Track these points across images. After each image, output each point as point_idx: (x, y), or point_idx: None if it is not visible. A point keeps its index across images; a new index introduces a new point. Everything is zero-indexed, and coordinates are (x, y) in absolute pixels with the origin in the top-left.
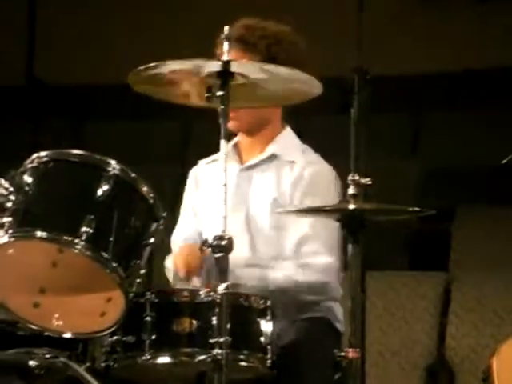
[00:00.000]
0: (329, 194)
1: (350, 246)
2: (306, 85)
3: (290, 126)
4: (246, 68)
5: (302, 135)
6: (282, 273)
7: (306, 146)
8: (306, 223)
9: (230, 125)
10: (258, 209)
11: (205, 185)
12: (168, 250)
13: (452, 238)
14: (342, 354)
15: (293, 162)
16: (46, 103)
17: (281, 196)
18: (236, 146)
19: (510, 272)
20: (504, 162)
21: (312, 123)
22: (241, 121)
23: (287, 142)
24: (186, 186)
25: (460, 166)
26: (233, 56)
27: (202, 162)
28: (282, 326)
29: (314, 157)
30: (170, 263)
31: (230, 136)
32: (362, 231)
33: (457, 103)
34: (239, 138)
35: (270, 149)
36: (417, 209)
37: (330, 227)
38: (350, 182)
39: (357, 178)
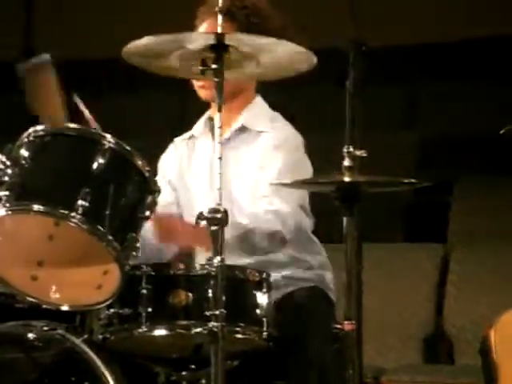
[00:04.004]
0: (293, 153)
1: (345, 219)
2: (300, 57)
3: (285, 98)
4: (240, 40)
5: (297, 107)
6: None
7: (276, 114)
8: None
9: (202, 93)
10: (236, 186)
11: (185, 161)
12: None
13: (451, 210)
14: (339, 326)
15: (260, 132)
16: None
17: (254, 170)
18: (210, 119)
19: (508, 243)
20: (502, 132)
21: (307, 95)
22: (212, 89)
23: (256, 111)
24: (162, 161)
25: (458, 137)
26: (211, 27)
27: (179, 139)
28: (276, 298)
29: (282, 124)
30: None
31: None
32: (358, 203)
33: (454, 74)
34: (212, 110)
35: (240, 119)
36: (412, 180)
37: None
38: (345, 154)
39: (352, 150)
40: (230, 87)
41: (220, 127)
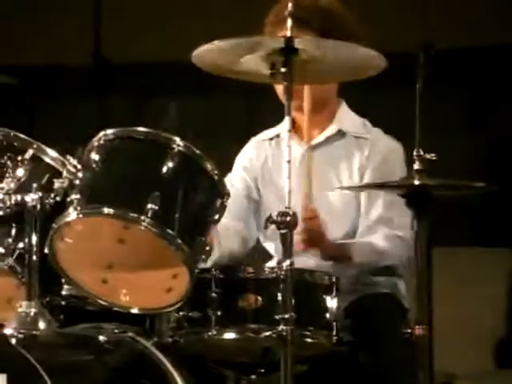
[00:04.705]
0: (400, 171)
1: (415, 222)
2: (370, 60)
3: (353, 101)
4: (309, 44)
5: (366, 110)
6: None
7: (364, 120)
8: (380, 203)
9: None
10: (329, 188)
11: (271, 161)
12: None
13: None
14: (409, 330)
15: (360, 137)
16: (112, 82)
17: (351, 174)
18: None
19: None
20: None
21: (376, 98)
22: (301, 94)
23: (348, 117)
24: (240, 160)
25: None
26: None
27: (259, 139)
28: (349, 302)
29: (378, 131)
30: None
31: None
32: (428, 207)
33: None
34: (295, 116)
35: (334, 126)
36: (482, 184)
37: (403, 205)
38: (415, 157)
39: (422, 153)
40: (318, 95)
41: (289, 131)
